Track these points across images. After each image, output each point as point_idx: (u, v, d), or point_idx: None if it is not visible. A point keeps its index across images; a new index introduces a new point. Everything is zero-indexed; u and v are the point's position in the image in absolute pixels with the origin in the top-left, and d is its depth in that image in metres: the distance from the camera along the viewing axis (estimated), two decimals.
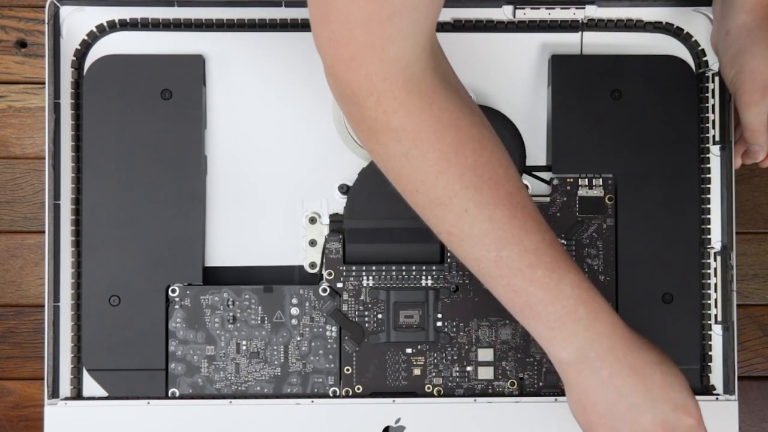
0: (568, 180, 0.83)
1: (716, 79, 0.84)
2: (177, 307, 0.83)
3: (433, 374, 0.83)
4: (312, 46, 0.84)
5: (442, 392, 0.83)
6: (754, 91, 0.76)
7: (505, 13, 0.84)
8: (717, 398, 0.82)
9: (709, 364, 0.84)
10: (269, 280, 0.84)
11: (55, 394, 0.82)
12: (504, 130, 0.83)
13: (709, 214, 0.84)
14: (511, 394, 0.83)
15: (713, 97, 0.84)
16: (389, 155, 0.65)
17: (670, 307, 0.83)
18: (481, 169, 0.65)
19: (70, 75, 0.83)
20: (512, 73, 0.85)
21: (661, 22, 0.84)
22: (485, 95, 0.84)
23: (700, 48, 0.84)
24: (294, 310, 0.83)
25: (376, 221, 0.83)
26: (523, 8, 0.84)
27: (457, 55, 0.84)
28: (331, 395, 0.83)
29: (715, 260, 0.83)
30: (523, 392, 0.83)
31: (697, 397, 0.82)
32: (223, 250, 0.84)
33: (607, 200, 0.83)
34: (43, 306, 0.83)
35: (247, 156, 0.84)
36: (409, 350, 0.83)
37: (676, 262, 0.83)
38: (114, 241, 0.82)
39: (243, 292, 0.83)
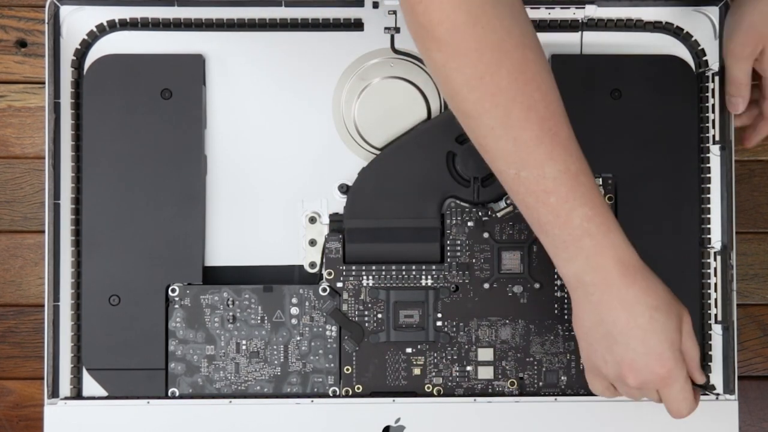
0: None
1: (716, 79, 0.84)
2: (177, 306, 0.83)
3: (433, 374, 0.83)
4: (312, 46, 0.84)
5: (442, 392, 0.83)
6: (746, 44, 0.78)
7: None
8: (717, 398, 0.82)
9: (709, 363, 0.84)
10: (269, 279, 0.84)
11: (55, 393, 0.82)
12: None
13: (709, 213, 0.84)
14: (511, 394, 0.83)
15: (713, 97, 0.84)
16: (431, 61, 0.68)
17: None
18: (515, 92, 0.67)
19: (70, 75, 0.83)
20: None
21: (661, 22, 0.84)
22: None
23: (700, 48, 0.84)
24: (294, 310, 0.83)
25: (376, 221, 0.83)
26: None
27: None
28: (331, 395, 0.83)
29: (715, 260, 0.83)
30: (523, 392, 0.83)
31: None
32: (223, 249, 0.84)
33: (607, 200, 0.83)
34: (43, 306, 0.83)
35: (247, 156, 0.84)
36: (409, 350, 0.83)
37: (676, 262, 0.83)
38: (114, 241, 0.82)
39: (243, 291, 0.83)
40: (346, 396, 0.83)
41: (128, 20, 0.83)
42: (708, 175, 0.84)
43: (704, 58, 0.84)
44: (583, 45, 0.84)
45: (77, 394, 0.83)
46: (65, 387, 0.83)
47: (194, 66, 0.83)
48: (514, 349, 0.83)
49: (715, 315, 0.83)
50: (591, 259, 0.70)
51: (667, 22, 0.84)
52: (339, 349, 0.83)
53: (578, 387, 0.83)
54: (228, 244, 0.84)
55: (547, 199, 0.69)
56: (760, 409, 0.91)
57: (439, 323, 0.83)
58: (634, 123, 0.83)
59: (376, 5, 0.84)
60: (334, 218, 0.84)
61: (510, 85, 0.67)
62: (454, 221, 0.83)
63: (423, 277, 0.83)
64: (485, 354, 0.83)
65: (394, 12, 0.84)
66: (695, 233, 0.84)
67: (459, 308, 0.83)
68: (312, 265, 0.84)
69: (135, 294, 0.82)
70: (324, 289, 0.83)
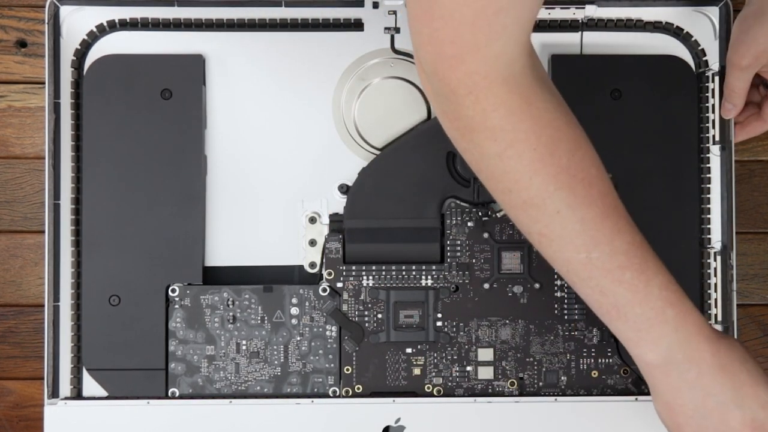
0: None
1: (716, 79, 0.84)
2: (177, 306, 0.83)
3: (433, 374, 0.83)
4: (312, 46, 0.84)
5: (442, 392, 0.83)
6: (747, 56, 0.78)
7: None
8: None
9: None
10: (269, 279, 0.84)
11: (55, 393, 0.82)
12: None
13: (709, 214, 0.84)
14: (511, 394, 0.83)
15: (713, 97, 0.84)
16: (483, 155, 0.65)
17: None
18: (575, 169, 0.65)
19: (70, 75, 0.83)
20: None
21: (661, 22, 0.84)
22: None
23: (700, 48, 0.84)
24: (294, 310, 0.83)
25: (376, 221, 0.83)
26: None
27: None
28: (331, 395, 0.83)
29: (715, 260, 0.83)
30: (523, 392, 0.83)
31: None
32: (223, 250, 0.84)
33: None
34: (43, 306, 0.83)
35: (247, 156, 0.84)
36: (409, 350, 0.83)
37: (676, 262, 0.83)
38: (114, 241, 0.82)
39: (243, 291, 0.83)
40: (346, 396, 0.83)
41: (128, 20, 0.83)
42: (708, 175, 0.84)
43: (704, 58, 0.84)
44: (583, 45, 0.84)
45: (77, 394, 0.83)
46: (65, 387, 0.83)
47: (194, 66, 0.83)
48: (514, 349, 0.83)
49: (715, 315, 0.83)
50: (679, 330, 0.68)
51: (667, 22, 0.84)
52: (339, 349, 0.83)
53: (578, 387, 0.83)
54: (228, 244, 0.84)
55: (622, 276, 0.67)
56: None
57: (439, 323, 0.83)
58: (634, 123, 0.83)
59: (376, 5, 0.84)
60: (334, 218, 0.84)
61: (569, 163, 0.65)
62: (454, 221, 0.83)
63: (423, 277, 0.83)
64: (485, 354, 0.83)
65: (394, 12, 0.84)
66: (695, 233, 0.84)
67: (459, 308, 0.83)
68: (312, 265, 0.84)
69: (135, 294, 0.82)
70: (324, 290, 0.83)
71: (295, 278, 0.84)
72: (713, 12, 0.84)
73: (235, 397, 0.82)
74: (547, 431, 0.82)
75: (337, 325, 0.83)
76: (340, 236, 0.83)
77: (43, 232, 0.83)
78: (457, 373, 0.83)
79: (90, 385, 0.83)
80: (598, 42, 0.84)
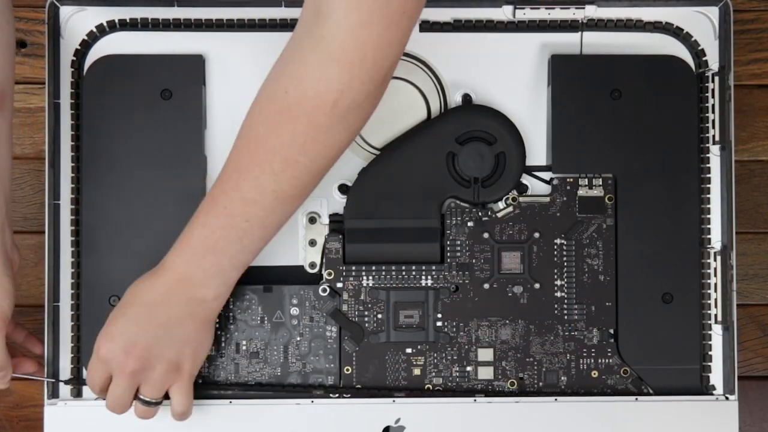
0: (568, 180, 0.84)
1: (716, 79, 0.84)
2: None
3: (433, 374, 0.83)
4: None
5: (442, 392, 0.83)
6: None
7: (504, 13, 0.84)
8: (717, 398, 0.82)
9: (709, 364, 0.84)
10: (269, 280, 0.84)
11: (55, 394, 0.82)
12: (504, 130, 0.83)
13: (709, 213, 0.84)
14: (511, 394, 0.83)
15: (713, 97, 0.84)
16: None
17: (670, 306, 0.83)
18: None
19: (70, 75, 0.83)
20: (512, 73, 0.85)
21: (661, 22, 0.84)
22: (485, 95, 0.84)
23: (700, 48, 0.84)
24: (294, 310, 0.83)
25: (376, 221, 0.83)
26: (523, 8, 0.84)
27: (457, 55, 0.84)
28: (331, 395, 0.83)
29: (715, 260, 0.83)
30: (523, 392, 0.83)
31: (698, 397, 0.82)
32: None
33: (607, 200, 0.83)
34: (43, 306, 0.83)
35: None
36: (409, 350, 0.83)
37: (676, 262, 0.83)
38: (114, 241, 0.82)
39: (243, 292, 0.83)
40: (346, 396, 0.83)
41: (128, 20, 0.83)
42: (708, 175, 0.84)
43: (704, 59, 0.84)
44: (583, 45, 0.84)
45: (77, 395, 0.83)
46: (65, 387, 0.83)
47: (194, 66, 0.83)
48: (514, 349, 0.83)
49: (715, 315, 0.83)
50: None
51: (667, 22, 0.84)
52: (339, 349, 0.83)
53: (578, 387, 0.83)
54: None
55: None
56: (760, 409, 0.91)
57: (439, 323, 0.83)
58: (633, 123, 0.83)
59: None
60: (334, 218, 0.84)
61: None
62: (454, 221, 0.83)
63: (423, 277, 0.83)
64: (485, 354, 0.83)
65: None
66: (695, 233, 0.84)
67: (459, 308, 0.83)
68: (312, 265, 0.84)
69: None
70: (324, 290, 0.83)
71: (295, 278, 0.84)
72: (713, 12, 0.84)
73: (235, 397, 0.82)
74: (547, 431, 0.82)
75: (337, 325, 0.83)
76: (340, 236, 0.83)
77: (43, 232, 0.83)
78: (457, 373, 0.83)
79: None
80: (598, 42, 0.84)
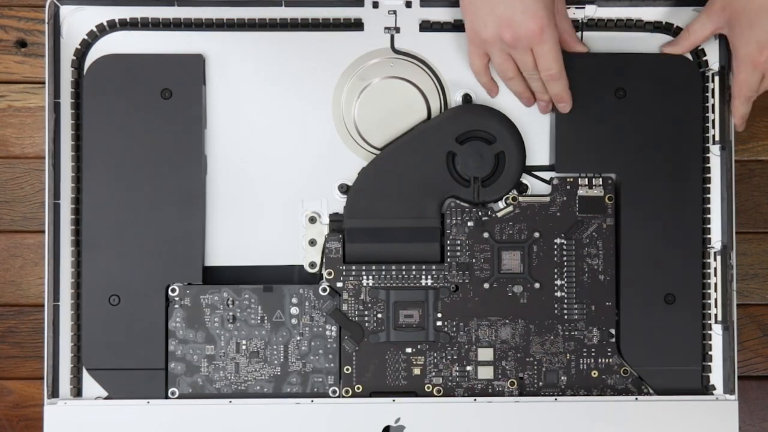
0: (568, 180, 0.84)
1: (716, 78, 0.84)
2: (177, 306, 0.83)
3: (433, 374, 0.83)
4: (312, 46, 0.84)
5: (442, 392, 0.83)
6: (714, 3, 0.80)
7: None
8: (717, 398, 0.82)
9: (709, 364, 0.84)
10: (269, 279, 0.84)
11: (54, 393, 0.82)
12: (504, 129, 0.83)
13: (709, 213, 0.84)
14: (511, 394, 0.83)
15: (713, 97, 0.84)
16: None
17: (672, 307, 0.83)
18: None
19: (70, 75, 0.83)
20: None
21: (661, 22, 0.84)
22: (485, 95, 0.84)
23: (700, 48, 0.84)
24: (294, 310, 0.83)
25: (376, 221, 0.83)
26: None
27: (457, 55, 0.84)
28: (331, 395, 0.83)
29: (715, 260, 0.83)
30: (523, 392, 0.83)
31: (698, 397, 0.82)
32: (223, 249, 0.84)
33: (606, 200, 0.83)
34: (43, 306, 0.83)
35: (247, 156, 0.84)
36: (409, 350, 0.83)
37: (678, 262, 0.83)
38: (114, 241, 0.82)
39: (243, 291, 0.83)
40: (346, 396, 0.83)
41: (128, 20, 0.83)
42: (708, 175, 0.84)
43: (704, 58, 0.84)
44: None
45: (77, 394, 0.83)
46: (65, 387, 0.83)
47: (194, 66, 0.83)
48: (514, 349, 0.83)
49: (715, 315, 0.83)
50: None
51: (667, 22, 0.84)
52: (339, 349, 0.83)
53: (578, 387, 0.83)
54: (228, 244, 0.84)
55: None
56: (760, 409, 0.91)
57: (439, 323, 0.83)
58: (637, 122, 0.83)
59: (376, 5, 0.84)
60: (334, 218, 0.84)
61: None
62: (454, 221, 0.83)
63: (423, 277, 0.83)
64: (485, 354, 0.83)
65: (394, 12, 0.84)
66: (696, 233, 0.84)
67: (459, 308, 0.83)
68: (312, 265, 0.84)
69: (135, 294, 0.82)
70: (324, 289, 0.83)
71: (295, 278, 0.84)
72: None
73: (235, 397, 0.82)
74: (547, 431, 0.82)
75: (337, 324, 0.83)
76: (340, 236, 0.83)
77: (43, 232, 0.83)
78: (457, 373, 0.83)
79: (90, 385, 0.83)
80: (598, 42, 0.84)
